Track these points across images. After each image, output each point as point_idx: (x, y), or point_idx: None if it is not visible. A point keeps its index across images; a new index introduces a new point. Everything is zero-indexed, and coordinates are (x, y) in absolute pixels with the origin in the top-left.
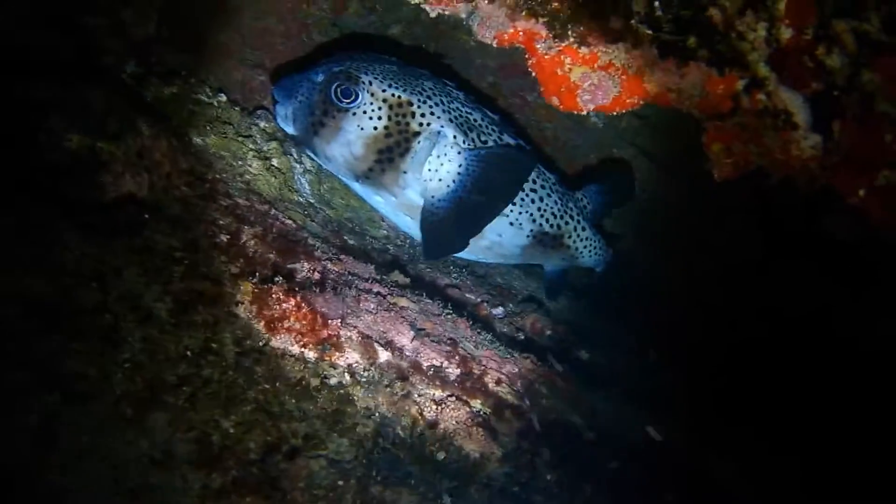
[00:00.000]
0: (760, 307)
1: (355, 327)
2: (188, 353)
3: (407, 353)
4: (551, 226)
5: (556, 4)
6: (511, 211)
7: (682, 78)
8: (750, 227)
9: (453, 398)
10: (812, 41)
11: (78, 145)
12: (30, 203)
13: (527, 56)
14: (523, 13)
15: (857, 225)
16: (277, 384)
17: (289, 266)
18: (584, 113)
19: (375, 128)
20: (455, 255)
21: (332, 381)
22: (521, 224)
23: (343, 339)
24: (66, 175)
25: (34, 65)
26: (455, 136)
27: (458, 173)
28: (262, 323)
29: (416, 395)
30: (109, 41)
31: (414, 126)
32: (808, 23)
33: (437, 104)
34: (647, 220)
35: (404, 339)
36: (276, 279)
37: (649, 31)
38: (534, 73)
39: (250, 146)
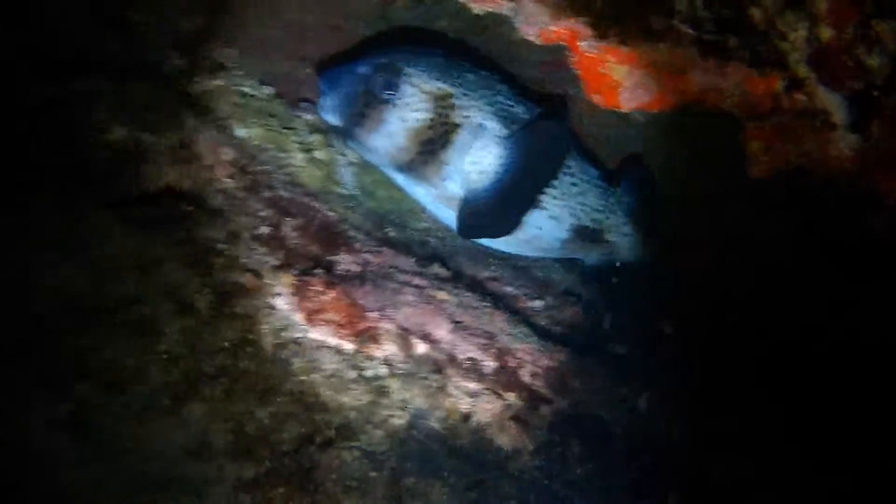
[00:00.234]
0: (796, 306)
1: (393, 320)
2: (226, 344)
3: (443, 346)
4: (592, 220)
5: (598, 4)
6: (551, 205)
7: (723, 78)
8: (790, 225)
9: (488, 391)
10: (852, 41)
11: (120, 137)
12: (71, 195)
13: (569, 54)
14: (566, 12)
15: None
16: (314, 376)
17: (329, 258)
18: (625, 111)
19: (417, 119)
20: (495, 248)
21: (368, 373)
22: (561, 218)
23: (381, 332)
24: (108, 167)
25: (87, 63)
26: (497, 129)
27: (500, 165)
28: (301, 315)
29: (451, 388)
30: (156, 36)
31: (455, 118)
32: (849, 22)
33: (479, 97)
34: (684, 216)
35: (442, 331)
36: (316, 271)
37: (691, 31)
38: (577, 71)
39: (294, 138)
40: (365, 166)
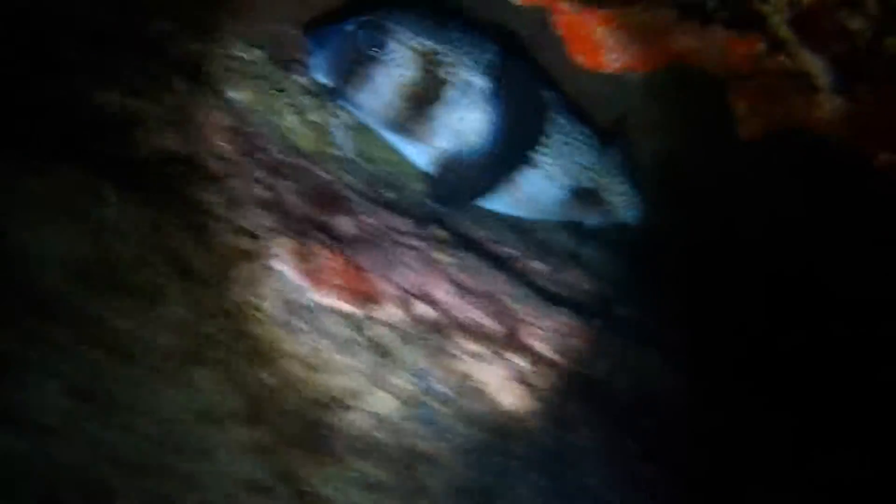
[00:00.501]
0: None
1: (394, 282)
2: (230, 308)
3: (445, 308)
4: (587, 179)
5: None
6: (546, 163)
7: (703, 40)
8: (792, 183)
9: (490, 352)
10: (835, 4)
11: (110, 102)
12: (67, 163)
13: (552, 16)
14: None
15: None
16: (318, 339)
17: (327, 220)
18: (610, 71)
19: (404, 75)
20: (494, 209)
21: (372, 335)
22: (555, 177)
23: (383, 294)
24: (100, 134)
25: (72, 30)
26: (484, 85)
27: (486, 121)
28: (302, 277)
29: (454, 350)
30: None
31: (442, 74)
32: None
33: (465, 53)
34: (681, 176)
35: (443, 293)
36: (315, 234)
37: None
38: (559, 31)
39: (286, 100)
40: (360, 128)
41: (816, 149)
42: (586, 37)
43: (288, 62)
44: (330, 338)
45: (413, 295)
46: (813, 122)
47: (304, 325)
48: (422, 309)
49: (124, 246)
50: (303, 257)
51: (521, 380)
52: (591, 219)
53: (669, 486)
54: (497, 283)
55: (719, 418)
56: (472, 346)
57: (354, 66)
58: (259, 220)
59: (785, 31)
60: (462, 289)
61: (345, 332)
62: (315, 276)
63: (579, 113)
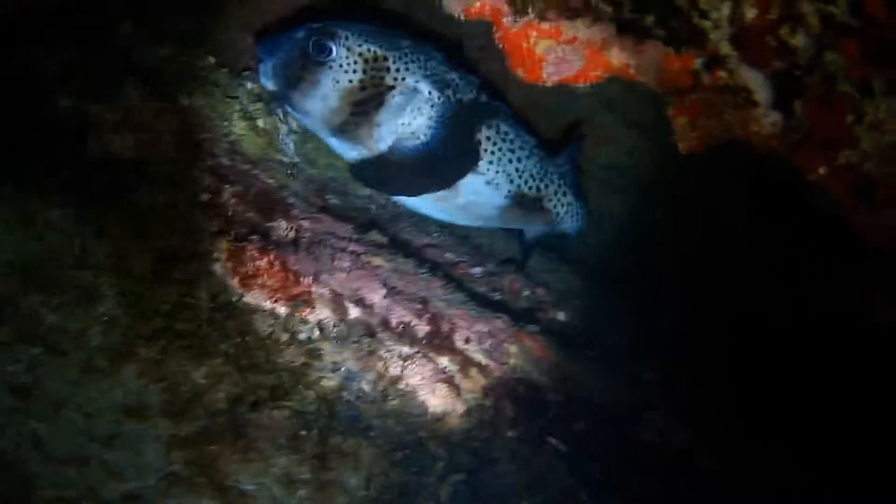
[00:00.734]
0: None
1: (327, 285)
2: (164, 307)
3: (377, 311)
4: (530, 188)
5: None
6: (488, 170)
7: (639, 55)
8: (736, 193)
9: (420, 355)
10: (776, 21)
11: (65, 106)
12: (15, 165)
13: (494, 29)
14: None
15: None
16: (248, 338)
17: (266, 224)
18: (549, 85)
19: (350, 80)
20: (435, 216)
21: (302, 336)
22: (498, 184)
23: (315, 296)
24: (52, 138)
25: (30, 32)
26: (430, 92)
27: (430, 127)
28: (237, 279)
29: (382, 351)
30: (101, 4)
31: (388, 80)
32: (774, 4)
33: (412, 61)
34: (630, 185)
35: (375, 296)
36: (252, 237)
37: (608, 9)
38: (501, 46)
39: (236, 107)
40: (307, 134)
41: (758, 160)
42: (526, 51)
43: (241, 70)
44: (259, 337)
45: (345, 297)
46: (751, 136)
47: (234, 325)
48: (353, 311)
49: (67, 246)
50: (238, 260)
51: (448, 381)
52: (534, 227)
53: (590, 488)
54: (432, 287)
55: (651, 424)
56: (402, 349)
57: (302, 72)
58: (200, 223)
59: (725, 47)
60: (396, 293)
61: (274, 331)
62: (249, 278)
63: (525, 122)
